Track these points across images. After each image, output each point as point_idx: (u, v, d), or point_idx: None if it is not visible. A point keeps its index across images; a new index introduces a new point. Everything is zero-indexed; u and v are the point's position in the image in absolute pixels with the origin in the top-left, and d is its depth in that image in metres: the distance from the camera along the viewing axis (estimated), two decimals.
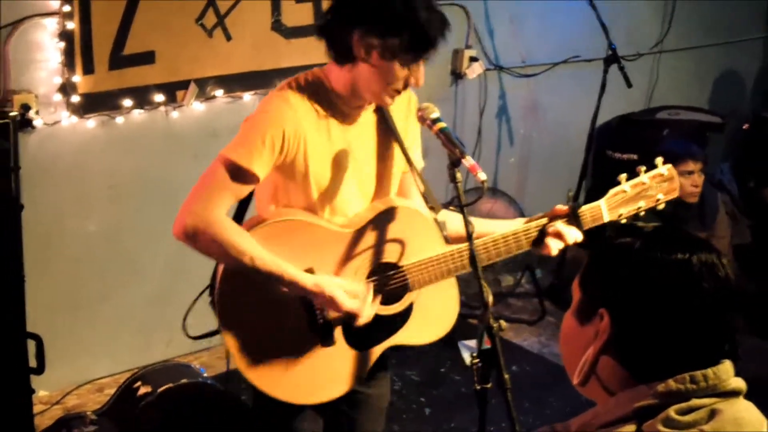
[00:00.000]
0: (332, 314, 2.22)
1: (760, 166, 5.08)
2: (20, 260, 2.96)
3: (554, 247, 2.28)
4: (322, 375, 2.28)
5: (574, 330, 1.29)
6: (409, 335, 2.34)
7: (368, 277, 2.26)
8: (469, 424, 3.53)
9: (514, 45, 4.86)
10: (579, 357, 1.27)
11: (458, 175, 2.02)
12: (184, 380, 3.01)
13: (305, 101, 2.16)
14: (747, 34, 6.04)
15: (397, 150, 2.31)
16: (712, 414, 1.16)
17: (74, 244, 3.64)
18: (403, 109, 2.32)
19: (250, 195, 2.25)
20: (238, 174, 2.10)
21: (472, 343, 4.23)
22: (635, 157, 5.00)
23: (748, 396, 1.25)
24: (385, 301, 2.28)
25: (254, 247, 2.10)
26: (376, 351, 2.33)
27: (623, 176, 2.32)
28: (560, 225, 2.28)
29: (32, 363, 3.07)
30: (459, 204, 2.02)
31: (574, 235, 2.28)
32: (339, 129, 2.20)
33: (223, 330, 2.22)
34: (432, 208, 2.29)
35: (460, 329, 4.28)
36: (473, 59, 4.60)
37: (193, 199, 2.11)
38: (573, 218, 2.28)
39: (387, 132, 2.30)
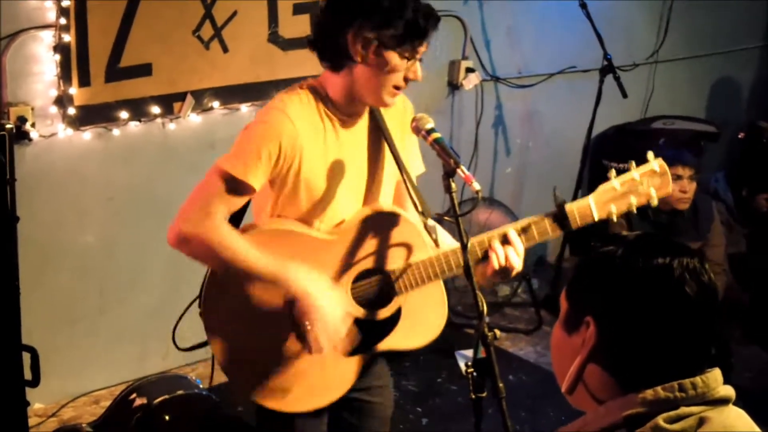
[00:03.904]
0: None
1: (754, 175, 5.09)
2: (15, 272, 2.96)
3: (494, 261, 2.18)
4: (313, 382, 2.28)
5: (562, 340, 1.30)
6: (398, 339, 2.33)
7: (354, 282, 2.26)
8: None
9: (510, 56, 4.88)
10: (568, 366, 1.27)
11: (453, 186, 2.01)
12: (179, 392, 3.01)
13: (302, 111, 2.17)
14: (742, 43, 6.06)
15: (390, 157, 2.32)
16: (701, 422, 1.17)
17: (70, 256, 3.64)
18: (398, 116, 2.32)
19: (247, 203, 2.26)
20: (234, 185, 2.12)
21: (469, 352, 4.22)
22: None
23: (744, 404, 1.25)
24: (373, 306, 2.28)
25: (248, 247, 2.12)
26: (367, 356, 2.33)
27: (612, 172, 2.25)
28: (513, 235, 2.21)
29: (27, 375, 3.06)
30: (454, 214, 2.02)
31: (513, 255, 2.18)
32: (334, 137, 2.21)
33: (209, 338, 2.24)
34: (422, 213, 2.28)
35: (457, 339, 4.31)
36: (470, 70, 4.62)
37: (189, 207, 2.14)
38: (561, 217, 2.25)
39: (381, 139, 2.31)
